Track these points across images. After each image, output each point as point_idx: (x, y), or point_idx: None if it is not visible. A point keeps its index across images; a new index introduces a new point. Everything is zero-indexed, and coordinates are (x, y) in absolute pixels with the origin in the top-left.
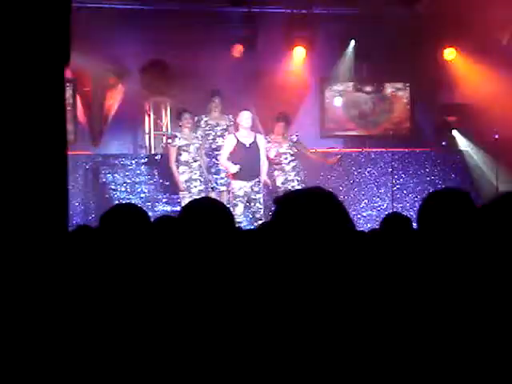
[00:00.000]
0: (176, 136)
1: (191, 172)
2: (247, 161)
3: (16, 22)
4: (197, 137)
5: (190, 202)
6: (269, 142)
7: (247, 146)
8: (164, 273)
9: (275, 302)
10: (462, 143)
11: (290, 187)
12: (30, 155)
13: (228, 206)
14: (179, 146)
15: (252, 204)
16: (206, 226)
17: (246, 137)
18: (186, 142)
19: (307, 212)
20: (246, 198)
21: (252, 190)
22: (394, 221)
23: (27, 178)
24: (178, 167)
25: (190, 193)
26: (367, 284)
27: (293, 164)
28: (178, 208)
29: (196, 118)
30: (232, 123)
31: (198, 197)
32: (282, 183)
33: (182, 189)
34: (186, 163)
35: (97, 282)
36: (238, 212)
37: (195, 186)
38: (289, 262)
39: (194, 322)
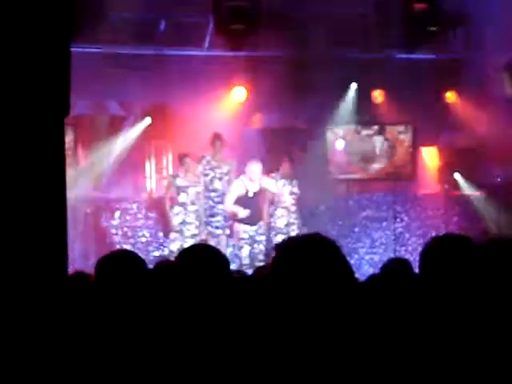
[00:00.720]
0: (178, 176)
1: (185, 214)
2: (252, 207)
3: (15, 73)
4: (199, 182)
5: (186, 248)
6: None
7: (250, 194)
8: (158, 321)
9: (270, 351)
10: (465, 187)
11: (290, 230)
12: (29, 202)
13: (230, 248)
14: (179, 187)
15: (255, 245)
16: (201, 273)
17: (252, 185)
18: (186, 183)
19: (306, 260)
20: (250, 241)
21: (256, 232)
22: (394, 266)
23: (27, 224)
24: (172, 208)
25: (182, 235)
26: (363, 334)
27: (294, 208)
28: (166, 251)
29: (201, 156)
30: (233, 168)
31: (190, 240)
32: (286, 225)
33: (174, 229)
34: (183, 205)
35: (91, 330)
36: (244, 254)
37: (188, 230)
38: (285, 312)
39: (189, 369)
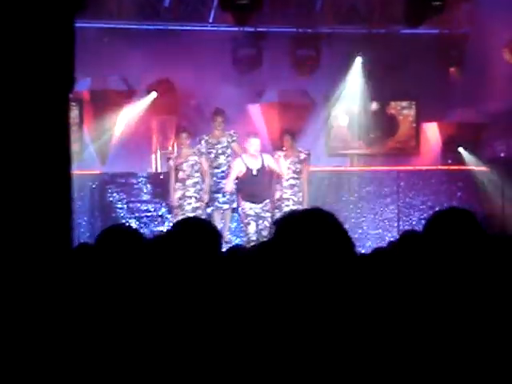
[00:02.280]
0: (171, 157)
1: (184, 189)
2: (256, 186)
3: (19, 49)
4: (194, 152)
5: (178, 222)
6: (279, 156)
7: (255, 172)
8: (151, 294)
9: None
10: (469, 160)
11: (283, 205)
12: (34, 177)
13: (235, 223)
14: (176, 165)
15: (260, 222)
16: (190, 246)
17: (254, 162)
18: (181, 159)
19: (305, 234)
20: (256, 217)
21: (262, 209)
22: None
23: (32, 199)
24: (175, 184)
25: (182, 210)
26: (362, 306)
27: (292, 182)
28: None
29: (197, 139)
30: (234, 139)
31: (191, 214)
32: (278, 199)
33: (174, 206)
34: (181, 180)
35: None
36: (252, 230)
37: (189, 204)
38: (283, 284)
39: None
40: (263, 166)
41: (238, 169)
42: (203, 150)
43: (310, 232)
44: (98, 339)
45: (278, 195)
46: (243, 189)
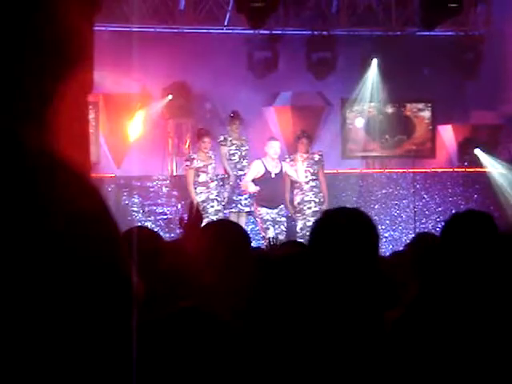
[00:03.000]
0: (194, 158)
1: (208, 192)
2: (272, 190)
3: (39, 51)
4: (211, 156)
5: (208, 224)
6: (292, 160)
7: (273, 175)
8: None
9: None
10: (485, 162)
11: (305, 208)
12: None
13: (251, 225)
14: (197, 168)
15: (276, 226)
16: (223, 249)
17: (273, 166)
18: (203, 163)
19: (344, 237)
20: (272, 222)
21: (278, 214)
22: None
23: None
24: (195, 189)
25: (206, 213)
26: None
27: (312, 184)
28: None
29: (222, 137)
30: (248, 145)
31: (214, 217)
32: (299, 203)
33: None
34: (204, 184)
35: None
36: (271, 234)
37: (212, 206)
38: (321, 284)
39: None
40: (281, 171)
41: (256, 170)
42: (225, 151)
43: (350, 232)
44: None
45: (299, 199)
46: (260, 191)
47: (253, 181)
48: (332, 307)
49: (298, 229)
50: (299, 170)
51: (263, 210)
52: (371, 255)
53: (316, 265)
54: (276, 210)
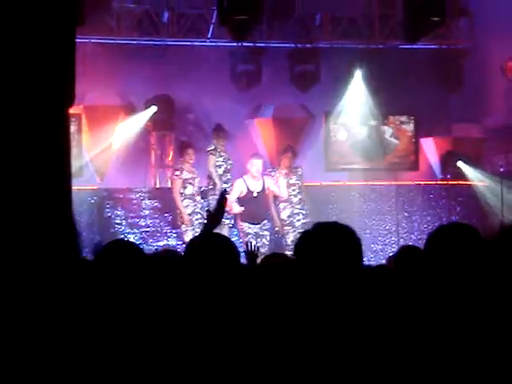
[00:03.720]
0: (183, 169)
1: (195, 206)
2: (255, 208)
3: (21, 65)
4: (194, 171)
5: (196, 237)
6: (272, 177)
7: (255, 194)
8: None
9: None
10: (468, 175)
11: (295, 221)
12: (35, 193)
13: (234, 238)
14: (184, 179)
15: (258, 239)
16: (212, 262)
17: (255, 184)
18: (191, 175)
19: (328, 250)
20: (255, 236)
21: (260, 229)
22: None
23: (33, 215)
24: (182, 201)
25: (192, 225)
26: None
27: (299, 196)
28: (180, 242)
29: (213, 146)
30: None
31: (198, 229)
32: (288, 216)
33: (186, 222)
34: (191, 196)
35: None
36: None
37: (197, 219)
38: (307, 294)
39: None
40: (263, 188)
41: (238, 189)
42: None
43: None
44: (102, 359)
45: (288, 212)
46: (243, 210)
47: (236, 200)
48: (318, 318)
49: (289, 241)
50: (281, 185)
51: (245, 225)
52: (355, 268)
53: (302, 277)
54: (259, 225)
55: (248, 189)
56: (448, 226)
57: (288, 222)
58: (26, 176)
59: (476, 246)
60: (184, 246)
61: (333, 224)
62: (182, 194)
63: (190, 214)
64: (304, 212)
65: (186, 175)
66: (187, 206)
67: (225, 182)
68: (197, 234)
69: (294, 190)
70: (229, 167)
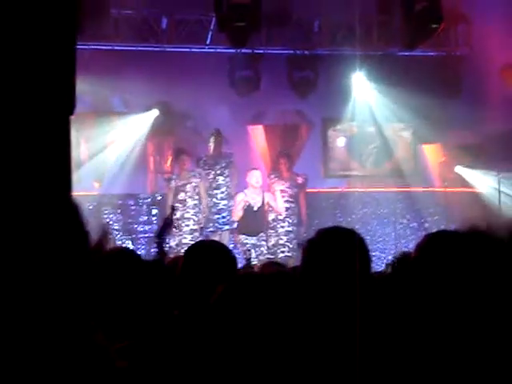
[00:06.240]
0: (172, 178)
1: (184, 210)
2: (255, 223)
3: (20, 72)
4: (194, 175)
5: (194, 245)
6: (269, 191)
7: (255, 209)
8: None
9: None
10: (466, 182)
11: (278, 226)
12: (35, 201)
13: (232, 244)
14: (176, 187)
15: (257, 249)
16: (209, 270)
17: (255, 198)
18: (183, 181)
19: (337, 256)
20: (253, 246)
21: (258, 240)
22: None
23: (32, 222)
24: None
25: (180, 231)
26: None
27: (286, 205)
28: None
29: (196, 159)
30: (232, 161)
31: (189, 236)
32: (273, 220)
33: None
34: (182, 202)
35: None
36: (253, 255)
37: (187, 225)
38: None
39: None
40: (263, 203)
41: (241, 203)
42: (203, 173)
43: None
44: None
45: (272, 216)
46: (241, 223)
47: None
48: (325, 325)
49: (270, 245)
50: (278, 200)
51: (242, 236)
52: (364, 274)
53: (309, 283)
54: (255, 237)
55: (249, 204)
56: (435, 234)
57: (272, 225)
58: (25, 182)
59: (462, 253)
60: (169, 252)
61: (343, 230)
62: (173, 200)
63: (178, 219)
64: (290, 220)
65: (177, 183)
66: (176, 210)
67: (215, 188)
68: (184, 241)
69: (283, 197)
70: (218, 172)
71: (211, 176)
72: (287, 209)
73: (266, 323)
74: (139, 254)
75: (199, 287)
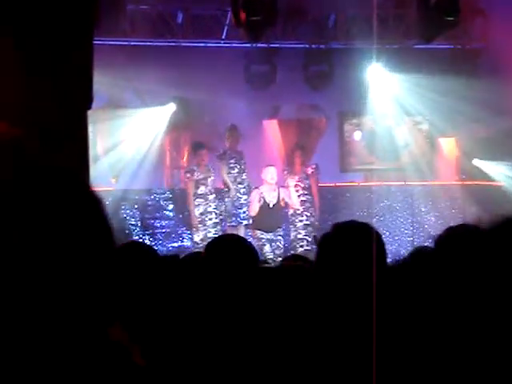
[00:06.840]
0: (194, 170)
1: (207, 204)
2: (271, 220)
3: (39, 68)
4: (210, 169)
5: (214, 240)
6: (283, 186)
7: (271, 206)
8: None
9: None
10: (483, 175)
11: (297, 220)
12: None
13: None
14: (197, 180)
15: (273, 244)
16: (231, 264)
17: (271, 195)
18: (203, 175)
19: (354, 250)
20: (269, 241)
21: (274, 235)
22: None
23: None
24: (194, 200)
25: (204, 226)
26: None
27: (303, 198)
28: (186, 242)
29: (222, 151)
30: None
31: (212, 229)
32: (291, 215)
33: (194, 225)
34: (203, 196)
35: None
36: (268, 249)
37: (210, 219)
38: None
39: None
40: (279, 200)
41: (257, 200)
42: (223, 167)
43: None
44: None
45: (290, 211)
46: (257, 219)
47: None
48: (340, 319)
49: (290, 240)
50: (292, 196)
51: (258, 232)
52: (380, 268)
53: (324, 277)
54: (272, 233)
55: (264, 200)
56: (455, 227)
57: (291, 220)
58: (44, 178)
59: (482, 247)
60: (194, 247)
61: (358, 224)
62: (194, 193)
63: (202, 214)
64: (308, 213)
65: (198, 176)
66: (199, 205)
67: (240, 183)
68: (209, 235)
69: (297, 191)
70: (243, 167)
71: (236, 170)
72: (303, 202)
73: (284, 317)
74: (155, 250)
75: (220, 281)
